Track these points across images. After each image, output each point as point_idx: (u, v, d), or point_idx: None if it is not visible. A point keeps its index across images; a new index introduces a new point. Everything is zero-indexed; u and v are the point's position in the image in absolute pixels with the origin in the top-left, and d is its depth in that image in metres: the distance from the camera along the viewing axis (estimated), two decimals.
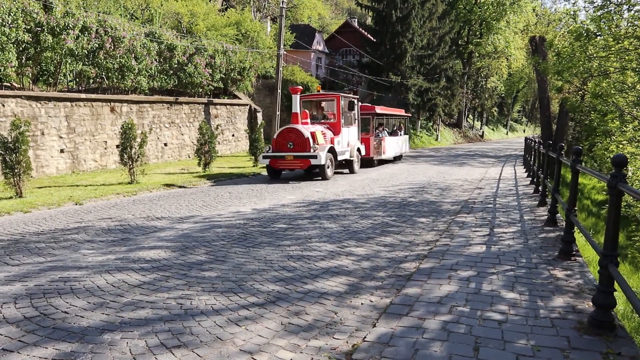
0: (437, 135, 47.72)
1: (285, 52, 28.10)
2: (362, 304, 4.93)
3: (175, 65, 21.13)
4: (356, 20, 53.97)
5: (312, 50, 41.36)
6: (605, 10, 14.38)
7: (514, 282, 5.40)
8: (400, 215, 9.86)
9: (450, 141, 50.04)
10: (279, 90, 25.24)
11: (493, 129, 74.38)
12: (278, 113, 25.19)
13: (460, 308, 4.62)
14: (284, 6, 25.53)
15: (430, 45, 39.81)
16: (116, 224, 8.87)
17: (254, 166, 19.41)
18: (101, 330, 4.18)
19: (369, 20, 47.76)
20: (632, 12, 14.29)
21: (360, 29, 48.16)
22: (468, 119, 63.12)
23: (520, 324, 4.27)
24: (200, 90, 23.03)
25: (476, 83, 59.78)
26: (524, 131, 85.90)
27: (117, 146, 15.87)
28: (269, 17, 43.49)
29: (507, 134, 78.46)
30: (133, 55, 18.70)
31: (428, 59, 39.37)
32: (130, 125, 14.15)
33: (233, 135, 25.57)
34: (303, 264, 6.28)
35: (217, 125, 20.25)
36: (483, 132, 63.12)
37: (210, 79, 23.18)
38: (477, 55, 54.42)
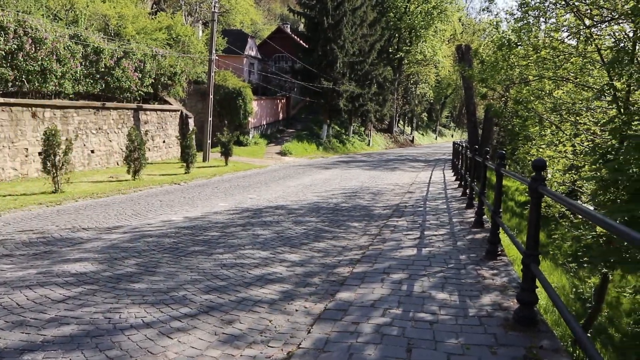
0: (369, 140, 48.51)
1: (217, 58, 27.77)
2: (296, 310, 4.93)
3: (103, 70, 20.38)
4: (289, 26, 54.06)
5: (245, 55, 41.05)
6: (524, 22, 15.05)
7: (444, 283, 5.56)
8: (333, 220, 9.95)
9: (382, 146, 51.00)
10: (211, 96, 24.85)
11: (423, 134, 76.41)
12: (210, 119, 24.78)
13: (393, 310, 4.71)
14: (216, 11, 25.22)
15: (361, 52, 40.40)
16: (38, 235, 8.42)
17: (185, 173, 19.02)
18: (21, 351, 3.95)
19: (301, 27, 47.96)
20: (548, 24, 15.05)
21: (293, 35, 48.31)
22: (399, 124, 64.57)
23: (450, 323, 4.40)
24: (129, 95, 22.31)
25: (406, 89, 61.31)
26: (452, 136, 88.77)
27: (40, 153, 15.03)
28: (200, 21, 42.76)
29: (436, 138, 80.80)
30: (55, 58, 17.88)
31: (359, 65, 39.94)
32: (54, 132, 13.50)
33: (164, 142, 24.95)
34: (236, 272, 6.21)
35: (147, 132, 19.62)
36: (413, 137, 64.72)
37: (139, 83, 22.53)
38: (407, 62, 55.79)
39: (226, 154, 23.34)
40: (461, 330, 4.26)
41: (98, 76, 20.36)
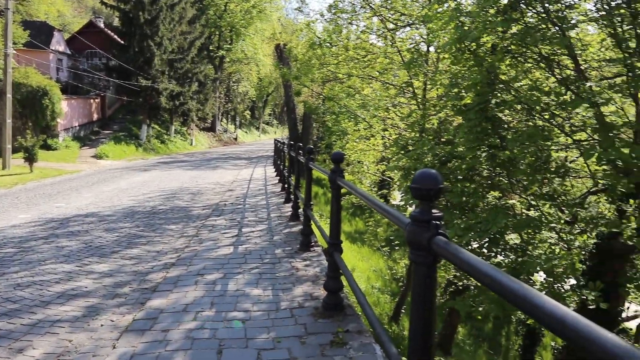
0: (192, 139, 47.50)
1: (15, 52, 24.92)
2: (101, 325, 4.60)
3: None
4: (102, 20, 50.48)
5: (51, 50, 37.38)
6: (335, 24, 15.92)
7: (259, 279, 5.62)
8: (148, 224, 9.53)
9: (206, 145, 50.31)
10: (9, 95, 22.23)
11: (246, 132, 77.02)
12: (9, 121, 22.17)
13: (206, 313, 4.63)
14: None
15: (181, 50, 39.33)
16: None
17: None
18: None
19: (116, 21, 45.14)
20: (359, 26, 16.09)
21: (107, 30, 45.22)
22: (222, 122, 64.28)
23: (262, 319, 4.45)
24: None
25: (228, 88, 61.19)
26: (276, 133, 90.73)
27: None
28: None
29: (259, 136, 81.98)
30: None
31: (179, 62, 38.85)
32: None
33: None
34: (33, 291, 5.60)
35: None
36: (237, 135, 64.87)
37: None
38: (228, 60, 55.60)
39: (30, 159, 21.10)
40: (273, 324, 4.33)
41: None
